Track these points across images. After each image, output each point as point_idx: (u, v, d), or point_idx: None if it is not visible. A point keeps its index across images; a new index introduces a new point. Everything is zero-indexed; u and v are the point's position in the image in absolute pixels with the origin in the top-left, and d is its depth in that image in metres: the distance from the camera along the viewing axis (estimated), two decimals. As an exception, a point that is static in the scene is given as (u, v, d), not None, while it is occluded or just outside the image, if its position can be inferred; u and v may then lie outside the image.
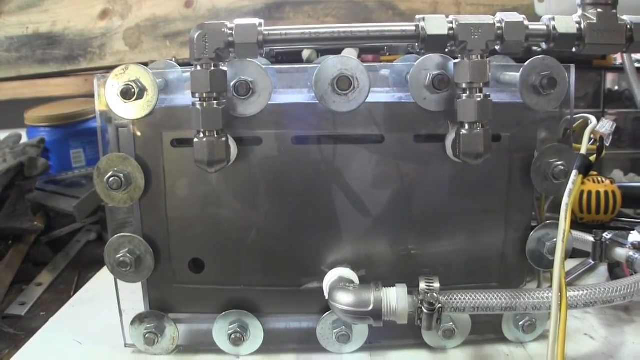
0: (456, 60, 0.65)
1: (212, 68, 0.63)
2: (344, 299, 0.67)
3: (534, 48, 1.00)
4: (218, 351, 0.75)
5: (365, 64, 0.66)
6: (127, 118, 0.68)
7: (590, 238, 0.83)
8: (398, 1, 1.69)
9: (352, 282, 0.70)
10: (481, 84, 0.63)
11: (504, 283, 0.75)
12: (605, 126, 0.70)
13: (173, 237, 0.73)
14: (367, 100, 0.67)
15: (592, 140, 0.70)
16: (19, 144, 1.34)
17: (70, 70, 1.74)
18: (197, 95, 0.63)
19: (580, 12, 0.66)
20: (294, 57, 1.26)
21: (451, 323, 0.74)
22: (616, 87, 1.47)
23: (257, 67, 0.66)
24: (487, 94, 0.64)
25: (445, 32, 0.63)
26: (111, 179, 0.69)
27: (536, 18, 0.66)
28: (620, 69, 1.34)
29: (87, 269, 1.10)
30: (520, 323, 0.76)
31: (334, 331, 0.74)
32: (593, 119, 0.71)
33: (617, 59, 1.37)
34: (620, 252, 0.80)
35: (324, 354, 0.75)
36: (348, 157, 0.71)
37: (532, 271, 0.78)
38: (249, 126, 0.69)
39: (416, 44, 0.65)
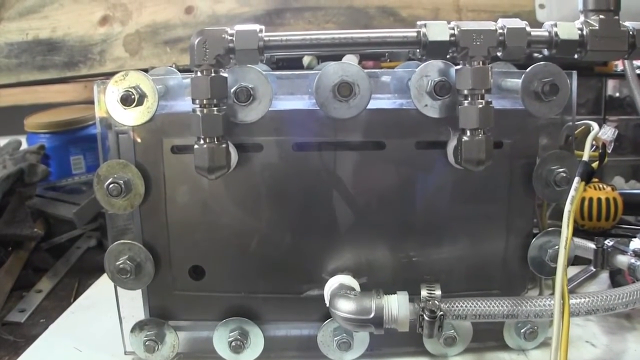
0: (458, 67, 0.65)
1: (213, 74, 0.63)
2: (345, 307, 0.67)
3: (535, 54, 1.00)
4: (218, 359, 0.75)
5: (366, 70, 0.66)
6: (127, 124, 0.68)
7: (592, 245, 0.83)
8: (399, 7, 1.69)
9: (353, 289, 0.70)
10: (483, 90, 0.63)
11: (506, 290, 0.75)
12: (607, 133, 0.70)
13: (173, 244, 0.73)
14: (368, 107, 0.67)
15: (594, 147, 0.70)
16: (19, 151, 1.34)
17: (70, 77, 1.74)
18: (197, 101, 0.63)
19: (582, 18, 0.66)
20: (294, 64, 1.26)
21: (452, 330, 0.74)
22: (617, 94, 1.47)
23: (257, 73, 0.66)
24: (489, 100, 0.64)
25: (446, 38, 0.63)
26: (111, 185, 0.68)
27: (537, 24, 0.65)
28: (621, 76, 1.34)
29: (87, 275, 1.09)
30: (522, 330, 0.75)
31: (335, 339, 0.74)
32: (595, 125, 0.71)
33: (618, 65, 1.37)
34: (622, 260, 0.79)
35: (325, 361, 0.75)
36: (349, 163, 0.71)
37: (533, 278, 0.78)
38: (250, 133, 0.69)
39: (417, 50, 0.65)
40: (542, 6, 1.36)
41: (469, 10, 1.67)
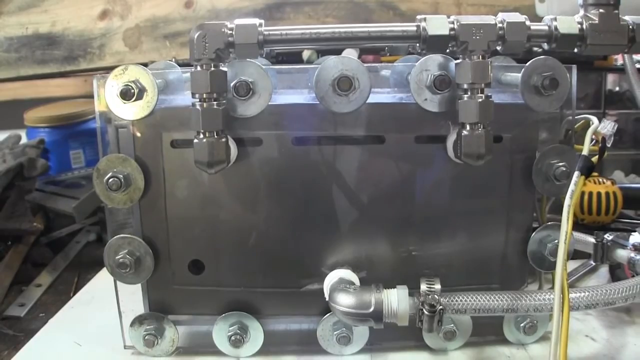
0: (457, 61, 0.64)
1: (212, 68, 0.63)
2: (345, 301, 0.67)
3: (535, 49, 1.00)
4: (218, 353, 0.75)
5: (366, 65, 0.66)
6: (127, 119, 0.68)
7: (592, 239, 0.83)
8: (399, 1, 1.69)
9: (353, 283, 0.70)
10: (482, 84, 0.63)
11: (505, 284, 0.75)
12: (607, 127, 0.70)
13: (173, 238, 0.73)
14: (368, 101, 0.67)
15: (594, 141, 0.70)
16: (19, 145, 1.34)
17: (70, 71, 1.74)
18: (197, 95, 0.63)
19: (582, 12, 0.66)
20: (294, 58, 1.26)
21: (452, 325, 0.74)
22: (617, 88, 1.47)
23: (257, 67, 0.66)
24: (489, 94, 0.64)
25: (446, 32, 0.63)
26: (110, 179, 0.68)
27: (537, 19, 0.65)
28: (621, 70, 1.34)
29: (86, 269, 1.10)
30: (522, 325, 0.75)
31: (335, 333, 0.74)
32: (595, 119, 0.70)
33: (618, 59, 1.37)
34: (622, 254, 0.79)
35: (325, 355, 0.75)
36: (349, 158, 0.71)
37: (533, 272, 0.78)
38: (249, 127, 0.69)
39: (417, 45, 0.65)
40: (541, 0, 1.36)
41: (468, 5, 1.67)
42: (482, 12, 1.65)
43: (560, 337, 0.58)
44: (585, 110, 1.32)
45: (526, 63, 0.67)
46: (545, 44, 0.66)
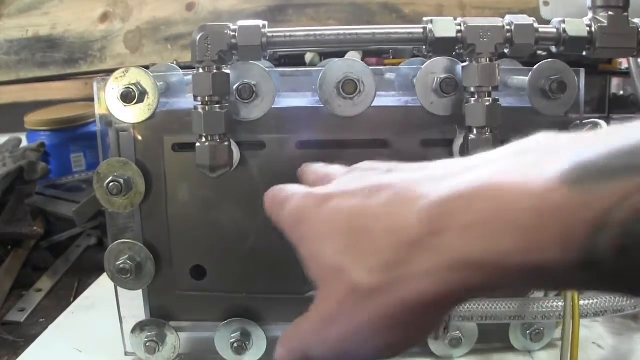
0: (464, 64, 0.64)
1: (215, 71, 0.62)
2: (349, 307, 0.66)
3: (540, 52, 0.99)
4: (220, 360, 0.74)
5: (370, 67, 0.65)
6: (128, 122, 0.67)
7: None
8: (402, 4, 1.68)
9: (357, 289, 0.69)
10: (490, 87, 0.62)
11: (512, 291, 0.74)
12: (615, 131, 0.69)
13: (174, 243, 0.72)
14: (372, 105, 0.66)
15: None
16: (19, 148, 1.34)
17: (71, 74, 1.74)
18: (199, 98, 0.63)
19: (590, 14, 0.65)
20: (296, 60, 1.25)
21: (458, 332, 0.73)
22: (621, 92, 1.46)
23: (260, 70, 0.65)
24: (496, 98, 0.63)
25: (453, 34, 0.62)
26: (111, 184, 0.68)
27: (541, 21, 0.65)
28: (626, 74, 1.33)
29: (87, 274, 1.09)
30: (528, 332, 0.74)
31: (338, 340, 0.73)
32: (603, 124, 0.70)
33: (623, 63, 1.36)
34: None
35: (328, 362, 0.74)
36: (353, 162, 0.70)
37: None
38: (252, 130, 0.69)
39: (423, 47, 0.64)
40: (546, 3, 1.35)
41: (473, 7, 1.66)
42: (486, 14, 1.64)
43: (572, 345, 0.58)
44: (590, 114, 1.32)
45: (531, 66, 0.66)
46: (554, 46, 0.65)
